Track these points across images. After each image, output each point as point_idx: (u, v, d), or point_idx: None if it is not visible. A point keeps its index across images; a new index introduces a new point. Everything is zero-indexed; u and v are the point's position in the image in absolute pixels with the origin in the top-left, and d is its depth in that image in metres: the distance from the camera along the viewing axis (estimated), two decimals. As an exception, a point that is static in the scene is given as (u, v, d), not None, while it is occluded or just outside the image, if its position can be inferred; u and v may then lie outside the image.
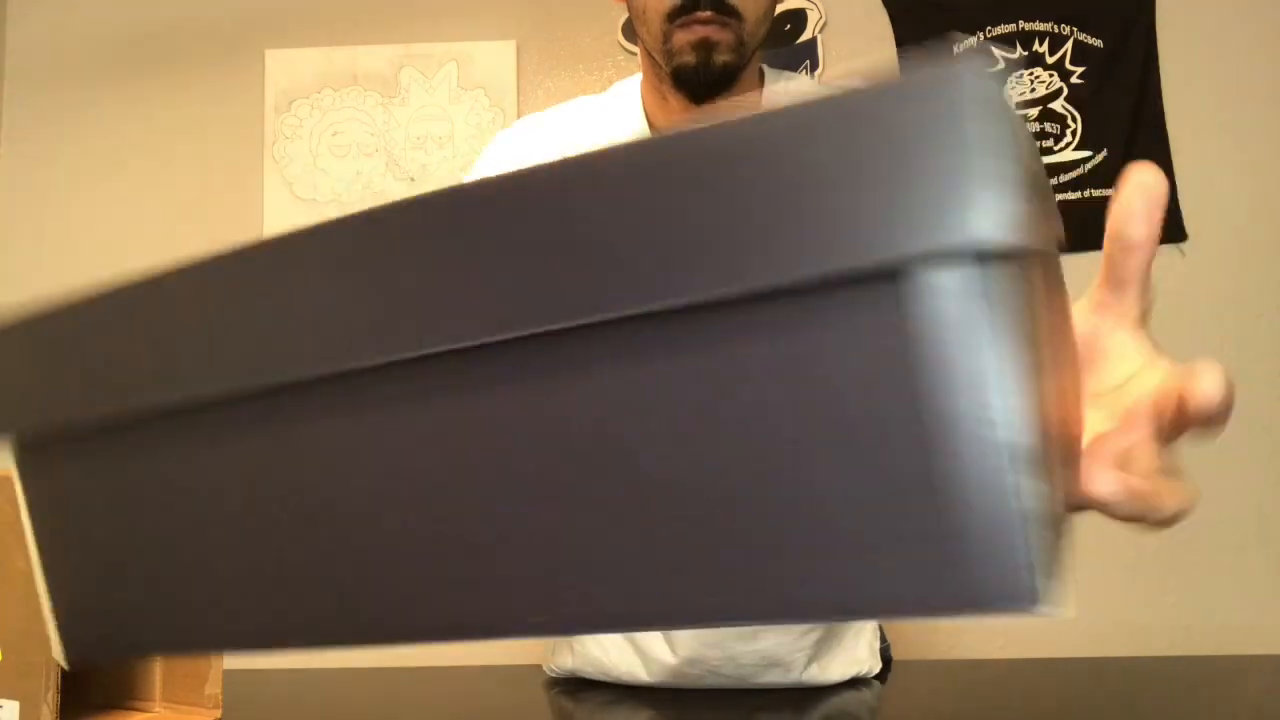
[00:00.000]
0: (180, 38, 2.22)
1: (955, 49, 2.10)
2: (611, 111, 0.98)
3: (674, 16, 0.84)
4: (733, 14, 0.83)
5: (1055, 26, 2.09)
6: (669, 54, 0.86)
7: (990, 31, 2.10)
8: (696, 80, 0.86)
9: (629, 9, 0.90)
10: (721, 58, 0.84)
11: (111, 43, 2.23)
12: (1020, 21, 2.09)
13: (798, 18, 2.12)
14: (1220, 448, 1.92)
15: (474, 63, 2.16)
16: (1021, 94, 2.08)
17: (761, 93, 0.94)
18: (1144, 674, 1.01)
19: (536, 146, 0.98)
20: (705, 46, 0.83)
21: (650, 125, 0.94)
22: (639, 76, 0.97)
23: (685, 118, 0.92)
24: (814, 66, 2.10)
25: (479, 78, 2.16)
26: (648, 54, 0.91)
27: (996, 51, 2.09)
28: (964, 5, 2.10)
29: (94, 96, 2.22)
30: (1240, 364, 1.99)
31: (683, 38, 0.84)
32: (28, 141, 2.21)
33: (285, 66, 2.18)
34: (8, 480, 0.64)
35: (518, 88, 2.15)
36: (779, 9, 2.17)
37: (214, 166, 2.18)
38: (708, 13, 0.82)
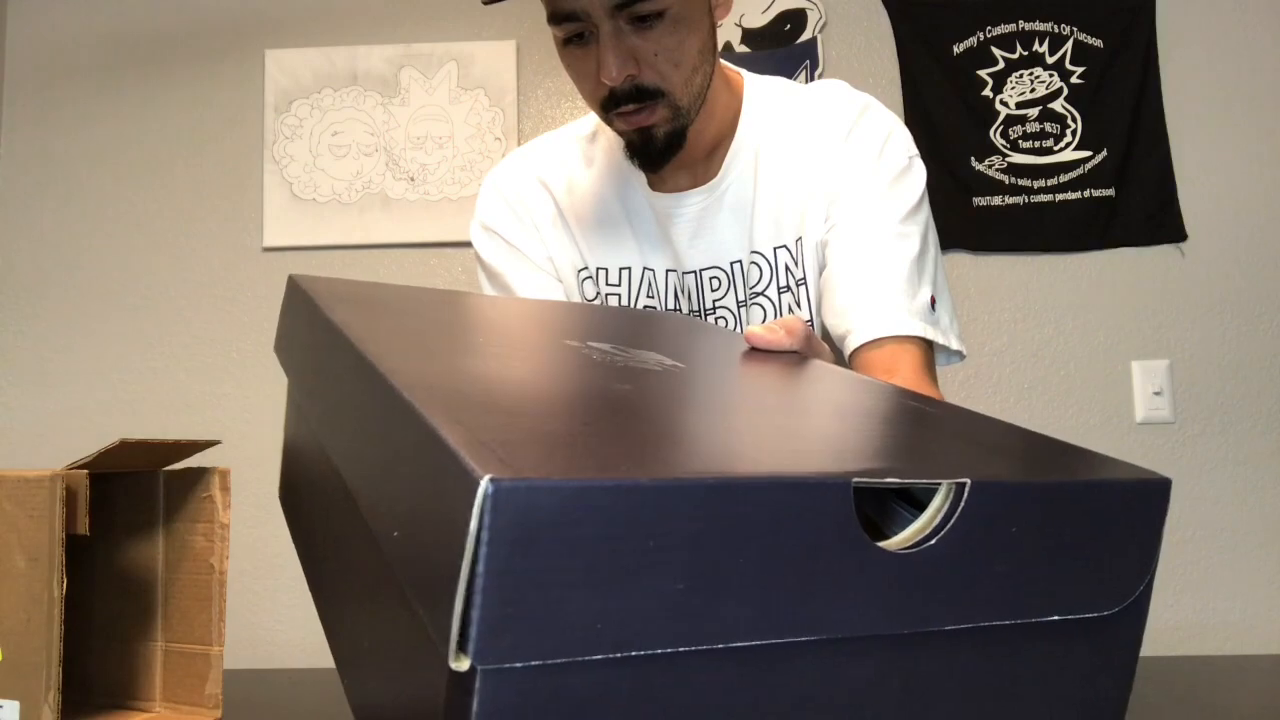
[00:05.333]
0: (180, 38, 2.22)
1: (955, 49, 2.10)
2: (598, 141, 0.99)
3: (606, 107, 0.86)
4: (657, 93, 0.84)
5: (1055, 26, 2.09)
6: (617, 132, 0.89)
7: (990, 31, 2.10)
8: (644, 156, 0.88)
9: None
10: (660, 131, 0.86)
11: (112, 43, 2.23)
12: (1020, 21, 2.09)
13: (798, 18, 2.12)
14: (1221, 448, 1.91)
15: (474, 63, 2.16)
16: (1021, 94, 2.08)
17: (740, 104, 0.94)
18: (1144, 674, 1.01)
19: (534, 189, 1.00)
20: (641, 131, 0.86)
21: None
22: None
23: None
24: (814, 66, 2.10)
25: (479, 78, 2.16)
26: None
27: (996, 51, 2.09)
28: (964, 5, 2.10)
29: (94, 96, 2.22)
30: (1240, 364, 1.99)
31: (619, 125, 0.87)
32: (28, 141, 2.21)
33: (285, 66, 2.18)
34: (7, 480, 0.64)
35: (518, 88, 2.15)
36: (778, 9, 2.17)
37: (214, 166, 2.18)
38: (631, 105, 0.84)
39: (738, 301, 0.93)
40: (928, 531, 0.30)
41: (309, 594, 0.48)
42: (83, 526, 0.65)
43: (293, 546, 0.53)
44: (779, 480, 0.27)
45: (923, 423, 0.42)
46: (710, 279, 0.94)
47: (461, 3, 2.17)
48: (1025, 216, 2.05)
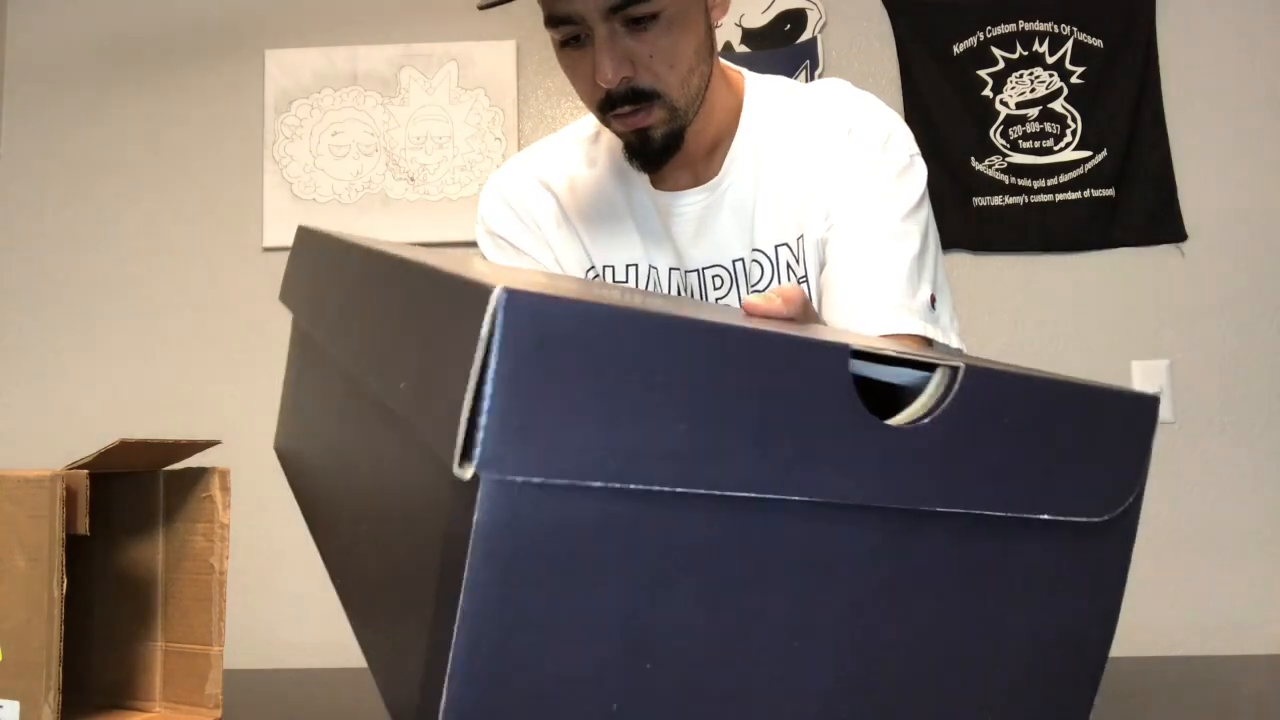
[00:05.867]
0: (180, 38, 2.22)
1: (955, 49, 2.10)
2: (600, 141, 0.99)
3: (603, 109, 0.86)
4: (653, 95, 0.84)
5: (1055, 26, 2.09)
6: (613, 133, 0.90)
7: (990, 31, 2.10)
8: (642, 157, 0.89)
9: None
10: (658, 133, 0.86)
11: (112, 43, 2.23)
12: (1020, 21, 2.09)
13: (798, 18, 2.12)
14: (1221, 448, 1.91)
15: (474, 63, 2.16)
16: (1021, 94, 2.08)
17: (740, 102, 0.94)
18: (1144, 674, 1.01)
19: (536, 193, 1.00)
20: (638, 133, 0.86)
21: None
22: None
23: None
24: (814, 66, 2.10)
25: (479, 78, 2.16)
26: None
27: (996, 51, 2.10)
28: (964, 5, 2.10)
29: (94, 96, 2.22)
30: (1240, 364, 1.99)
31: (617, 127, 0.87)
32: (28, 141, 2.21)
33: (285, 66, 2.18)
34: (7, 479, 0.64)
35: (518, 88, 2.15)
36: (778, 9, 2.17)
37: (214, 166, 2.18)
38: (628, 107, 0.84)
39: (740, 300, 0.93)
40: (923, 413, 0.31)
41: (309, 594, 0.49)
42: (83, 526, 0.65)
43: (293, 546, 0.53)
44: (783, 336, 0.28)
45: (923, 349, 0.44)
46: (713, 277, 0.94)
47: (461, 3, 2.17)
48: (1025, 216, 2.05)
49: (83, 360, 2.15)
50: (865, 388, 0.30)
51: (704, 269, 0.94)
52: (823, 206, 0.90)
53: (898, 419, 0.30)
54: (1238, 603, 1.93)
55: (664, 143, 0.87)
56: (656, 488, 0.26)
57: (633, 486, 0.26)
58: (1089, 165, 2.04)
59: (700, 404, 0.26)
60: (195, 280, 2.15)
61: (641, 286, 0.96)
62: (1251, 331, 2.01)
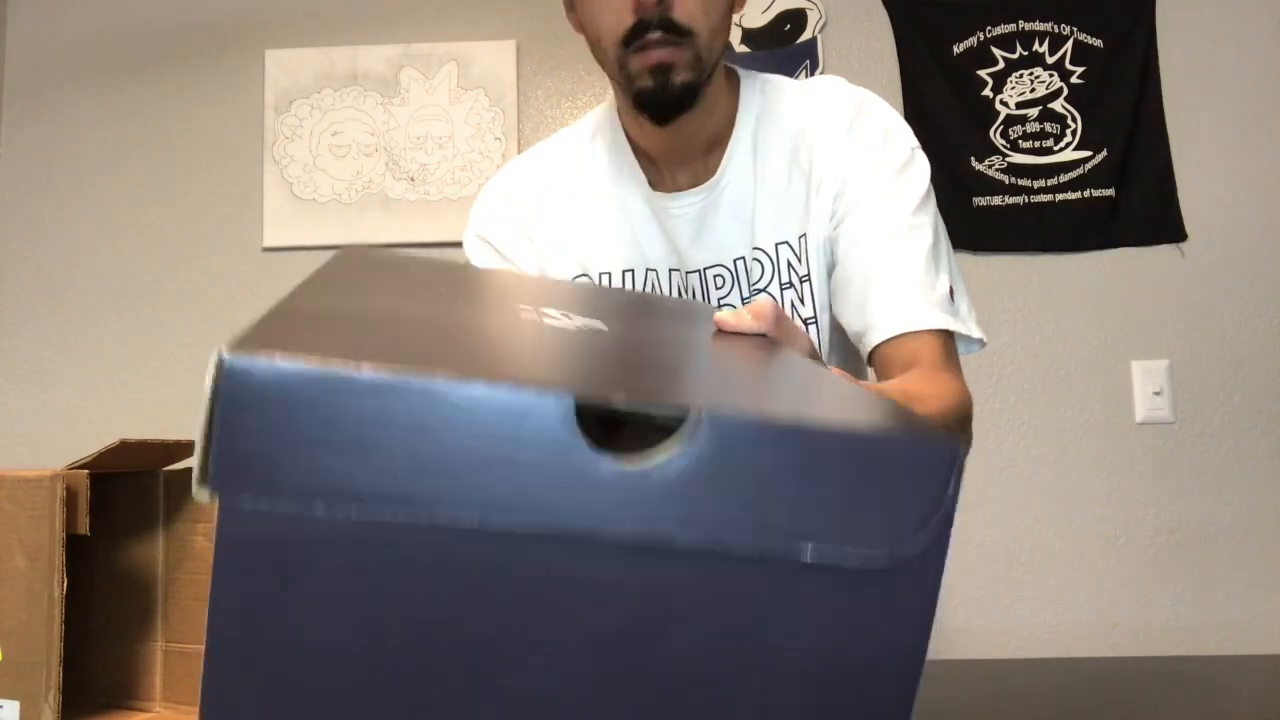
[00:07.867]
0: (180, 38, 2.22)
1: (955, 49, 2.10)
2: (597, 142, 0.98)
3: (628, 41, 0.83)
4: (685, 33, 0.82)
5: (1055, 26, 2.09)
6: (628, 79, 0.85)
7: (990, 31, 2.10)
8: (657, 103, 0.85)
9: (586, 38, 0.90)
10: (679, 78, 0.83)
11: (111, 43, 2.23)
12: (1020, 21, 2.09)
13: (798, 18, 2.12)
14: (1221, 448, 1.91)
15: (474, 63, 2.16)
16: (1021, 94, 2.08)
17: (737, 103, 0.94)
18: (1144, 674, 1.01)
19: (531, 198, 0.99)
20: (662, 69, 0.83)
21: (633, 146, 0.95)
22: (611, 98, 0.98)
23: (661, 139, 0.91)
24: (814, 66, 2.09)
25: (479, 78, 2.16)
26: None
27: (996, 51, 2.10)
28: (964, 5, 2.10)
29: (94, 96, 2.21)
30: (1240, 364, 1.99)
31: (638, 63, 0.84)
32: (28, 141, 2.21)
33: (285, 66, 2.18)
34: (7, 480, 0.64)
35: (518, 88, 2.15)
36: (778, 9, 2.17)
37: (214, 166, 2.18)
38: (659, 34, 0.82)
39: (742, 299, 0.93)
40: (662, 456, 0.32)
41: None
42: (83, 526, 0.65)
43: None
44: (495, 389, 0.30)
45: (757, 369, 0.44)
46: (714, 277, 0.94)
47: (461, 3, 2.17)
48: (1025, 216, 2.05)
49: (83, 360, 2.14)
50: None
51: (705, 269, 0.94)
52: (827, 205, 0.89)
53: (635, 459, 0.31)
54: (1238, 603, 1.93)
55: (682, 90, 0.84)
56: (371, 519, 0.30)
57: (348, 518, 0.30)
58: (1089, 165, 2.04)
59: (412, 449, 0.30)
60: (195, 280, 2.15)
61: (640, 289, 0.96)
62: (1251, 331, 2.01)
